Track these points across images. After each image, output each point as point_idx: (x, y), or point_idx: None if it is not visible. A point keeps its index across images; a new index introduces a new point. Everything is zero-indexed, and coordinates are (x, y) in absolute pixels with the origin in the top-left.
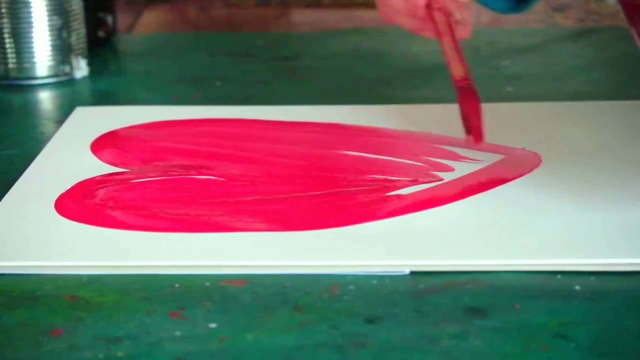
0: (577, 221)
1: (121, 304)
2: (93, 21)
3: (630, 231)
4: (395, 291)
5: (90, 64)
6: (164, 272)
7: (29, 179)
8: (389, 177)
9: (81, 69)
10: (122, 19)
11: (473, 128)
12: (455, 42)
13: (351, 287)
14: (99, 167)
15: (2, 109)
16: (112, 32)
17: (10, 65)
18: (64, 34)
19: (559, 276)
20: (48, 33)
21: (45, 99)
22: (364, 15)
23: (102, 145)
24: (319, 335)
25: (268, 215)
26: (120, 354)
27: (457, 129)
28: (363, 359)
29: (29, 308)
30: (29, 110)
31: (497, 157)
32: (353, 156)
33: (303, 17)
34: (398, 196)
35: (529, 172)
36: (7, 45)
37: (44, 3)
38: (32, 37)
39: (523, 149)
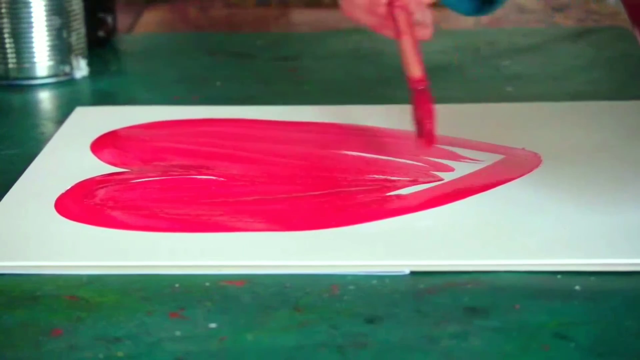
0: (577, 221)
1: (121, 304)
2: (93, 21)
3: (630, 231)
4: (395, 291)
5: (90, 64)
6: (164, 272)
7: (29, 179)
8: (389, 177)
9: (81, 69)
10: (122, 19)
11: (425, 132)
12: (415, 42)
13: (351, 287)
14: (99, 167)
15: (2, 109)
16: (112, 32)
17: (10, 65)
18: (64, 34)
19: (559, 276)
20: (48, 33)
21: (45, 99)
22: None
23: (102, 145)
24: (319, 335)
25: (268, 215)
26: (120, 354)
27: (457, 129)
28: (363, 359)
29: (29, 308)
30: (29, 110)
31: (497, 157)
32: (353, 156)
33: (303, 17)
34: (398, 196)
35: (529, 172)
36: (7, 45)
37: (44, 3)
38: (32, 37)
39: (523, 149)
